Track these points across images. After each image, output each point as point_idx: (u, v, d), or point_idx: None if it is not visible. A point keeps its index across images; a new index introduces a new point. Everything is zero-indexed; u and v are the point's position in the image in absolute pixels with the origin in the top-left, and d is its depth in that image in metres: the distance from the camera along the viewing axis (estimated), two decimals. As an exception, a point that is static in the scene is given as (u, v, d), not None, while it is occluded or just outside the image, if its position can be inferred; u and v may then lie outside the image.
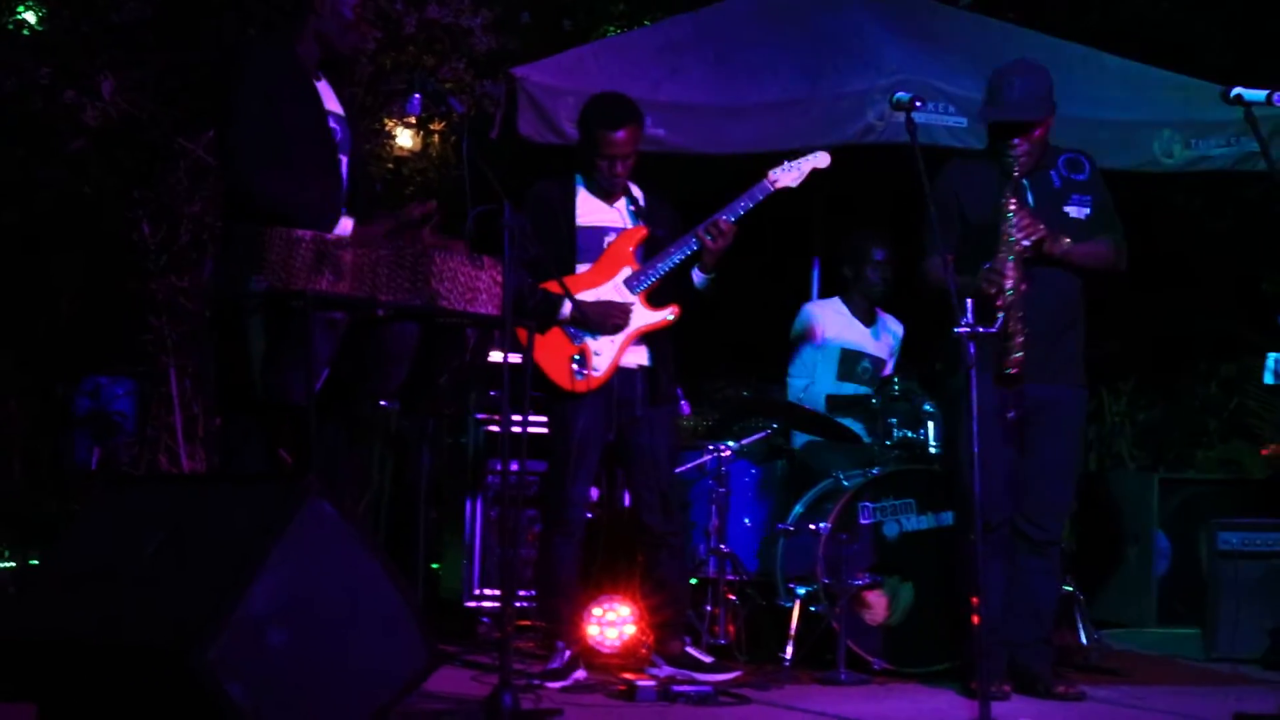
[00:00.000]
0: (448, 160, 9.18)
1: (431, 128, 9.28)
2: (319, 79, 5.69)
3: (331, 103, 5.70)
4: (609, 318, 6.45)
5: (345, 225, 5.55)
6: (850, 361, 8.03)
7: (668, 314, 6.55)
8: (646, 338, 6.55)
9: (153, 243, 8.53)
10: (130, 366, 8.86)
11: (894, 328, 8.18)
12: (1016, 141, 6.25)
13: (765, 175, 6.64)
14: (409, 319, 5.46)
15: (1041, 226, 6.15)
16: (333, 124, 5.68)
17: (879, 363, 8.06)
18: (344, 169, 5.69)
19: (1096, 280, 6.40)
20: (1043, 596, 6.43)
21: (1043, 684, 6.23)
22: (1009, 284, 6.04)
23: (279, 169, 5.43)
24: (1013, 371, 6.07)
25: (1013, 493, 6.34)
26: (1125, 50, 9.15)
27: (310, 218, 5.33)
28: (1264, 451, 9.89)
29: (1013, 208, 6.14)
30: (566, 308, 6.36)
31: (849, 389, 7.93)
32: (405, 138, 9.25)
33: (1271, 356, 8.10)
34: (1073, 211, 6.36)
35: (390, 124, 9.02)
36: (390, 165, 9.14)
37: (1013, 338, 6.05)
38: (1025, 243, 6.10)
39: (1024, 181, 6.31)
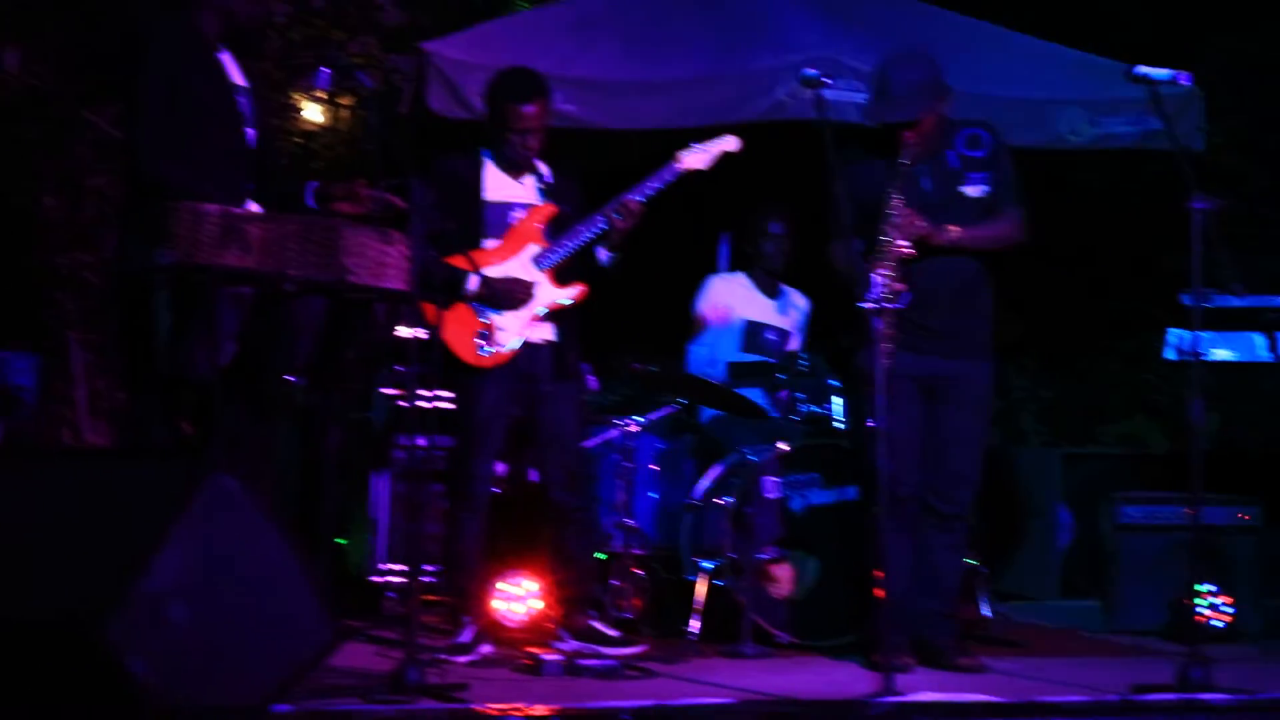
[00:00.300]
0: (356, 135, 9.15)
1: (340, 102, 9.24)
2: (222, 52, 5.66)
3: (236, 76, 5.66)
4: (514, 294, 6.45)
5: (251, 208, 5.52)
6: (754, 335, 8.05)
7: (573, 292, 6.56)
8: (554, 314, 6.56)
9: (56, 216, 8.45)
10: (33, 341, 8.77)
11: (799, 302, 8.21)
12: (905, 136, 6.27)
13: (674, 157, 6.66)
14: (317, 294, 5.45)
15: (922, 223, 6.18)
16: (238, 98, 5.65)
17: (784, 335, 8.09)
18: (250, 143, 5.66)
19: (996, 256, 6.44)
20: (947, 571, 6.49)
21: (945, 656, 6.28)
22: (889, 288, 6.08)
23: (185, 146, 5.40)
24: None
25: (921, 467, 6.39)
26: (1040, 26, 9.20)
27: (216, 194, 5.30)
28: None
29: (893, 209, 6.16)
30: (473, 283, 6.36)
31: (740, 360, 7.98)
32: (314, 112, 9.21)
33: (1172, 332, 8.22)
34: (970, 191, 6.40)
35: (299, 98, 8.97)
36: (299, 140, 9.09)
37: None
38: (902, 244, 6.11)
39: (919, 169, 6.32)
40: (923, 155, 6.32)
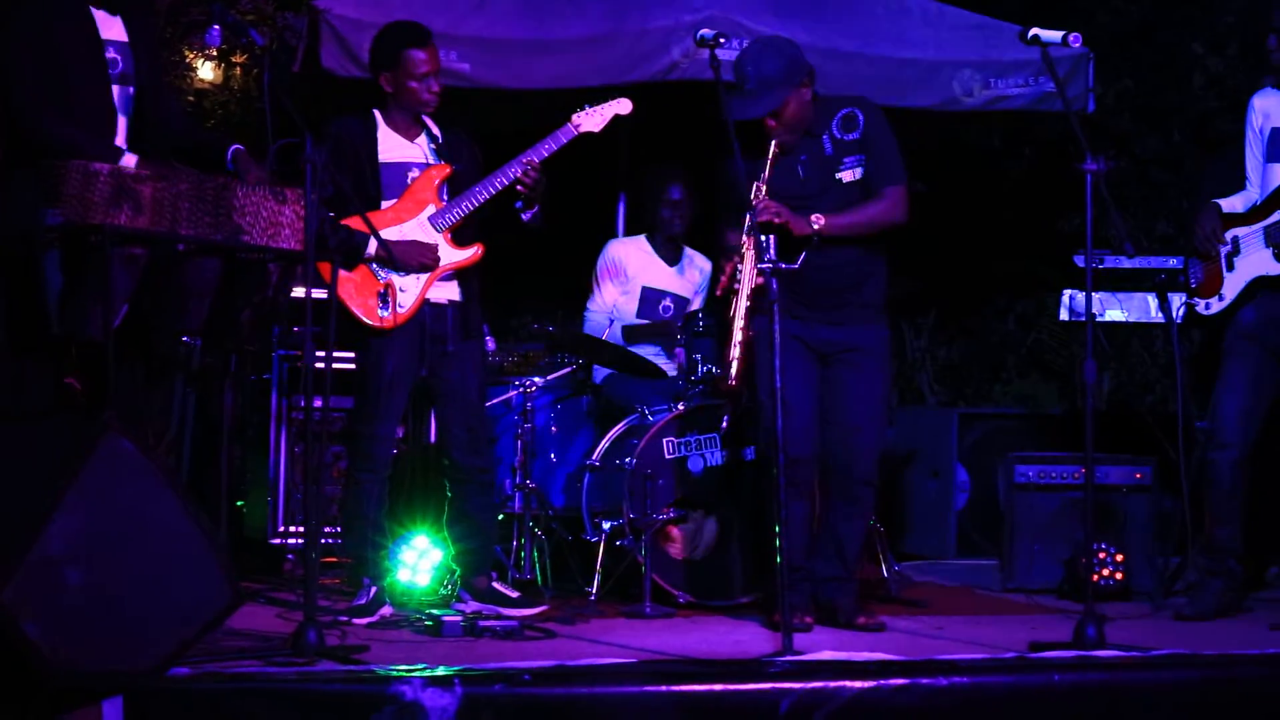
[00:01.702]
0: (249, 93, 9.04)
1: (233, 60, 9.12)
2: (99, 6, 5.56)
3: (111, 30, 5.56)
4: (417, 257, 6.40)
5: (129, 160, 5.44)
6: (651, 301, 8.04)
7: (471, 252, 6.53)
8: (457, 273, 6.52)
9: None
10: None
11: (701, 264, 8.20)
12: (770, 125, 6.25)
13: (569, 119, 6.64)
14: (210, 254, 5.39)
15: (780, 212, 6.14)
16: (113, 53, 5.55)
17: (682, 301, 8.08)
18: (122, 99, 5.57)
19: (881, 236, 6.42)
20: (848, 537, 6.44)
21: (844, 615, 6.30)
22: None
23: (56, 104, 5.32)
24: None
25: (822, 432, 6.40)
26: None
27: (91, 150, 5.22)
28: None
29: (755, 200, 6.12)
30: (372, 246, 6.30)
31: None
32: (206, 70, 9.09)
33: (1066, 293, 8.30)
34: (846, 176, 6.33)
35: (191, 56, 8.85)
36: (191, 98, 8.98)
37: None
38: (763, 231, 6.09)
39: (793, 159, 6.29)
40: (794, 141, 6.29)
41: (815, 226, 6.18)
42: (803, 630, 5.92)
